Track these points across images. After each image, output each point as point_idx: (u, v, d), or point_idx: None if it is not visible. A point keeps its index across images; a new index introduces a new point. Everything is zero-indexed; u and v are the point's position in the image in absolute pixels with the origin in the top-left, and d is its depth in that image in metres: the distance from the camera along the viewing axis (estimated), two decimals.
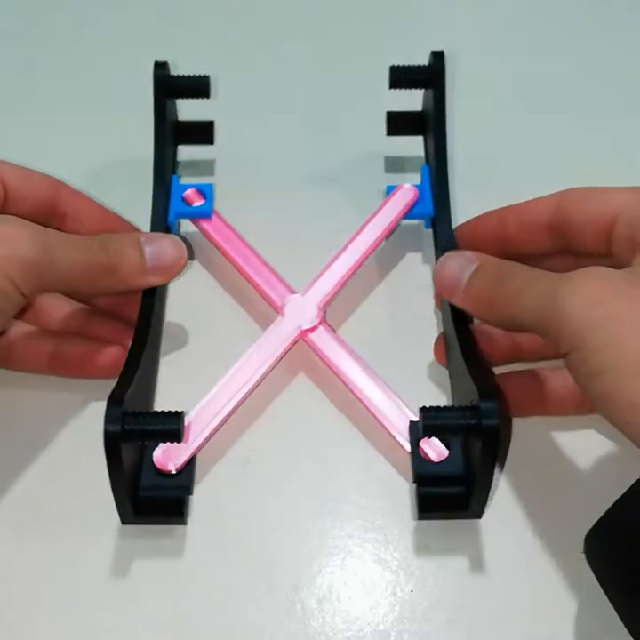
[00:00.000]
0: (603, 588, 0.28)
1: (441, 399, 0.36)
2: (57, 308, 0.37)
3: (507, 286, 0.31)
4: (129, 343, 0.33)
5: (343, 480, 0.34)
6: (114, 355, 0.35)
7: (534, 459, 0.34)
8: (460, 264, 0.33)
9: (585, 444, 0.34)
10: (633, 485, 0.27)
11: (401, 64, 0.40)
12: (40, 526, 0.33)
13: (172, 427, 0.30)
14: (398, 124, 0.42)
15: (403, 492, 0.34)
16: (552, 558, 0.32)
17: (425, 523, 0.33)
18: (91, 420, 0.34)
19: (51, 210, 0.36)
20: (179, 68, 0.41)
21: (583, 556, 0.29)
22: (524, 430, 0.34)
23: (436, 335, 0.37)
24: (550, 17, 0.49)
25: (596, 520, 0.28)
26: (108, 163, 0.43)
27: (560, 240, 0.34)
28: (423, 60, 0.40)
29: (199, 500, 0.33)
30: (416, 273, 0.39)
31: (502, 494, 0.33)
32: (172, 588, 0.32)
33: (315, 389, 0.37)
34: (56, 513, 0.33)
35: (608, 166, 0.42)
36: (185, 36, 0.49)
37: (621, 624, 0.28)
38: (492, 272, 0.32)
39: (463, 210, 0.39)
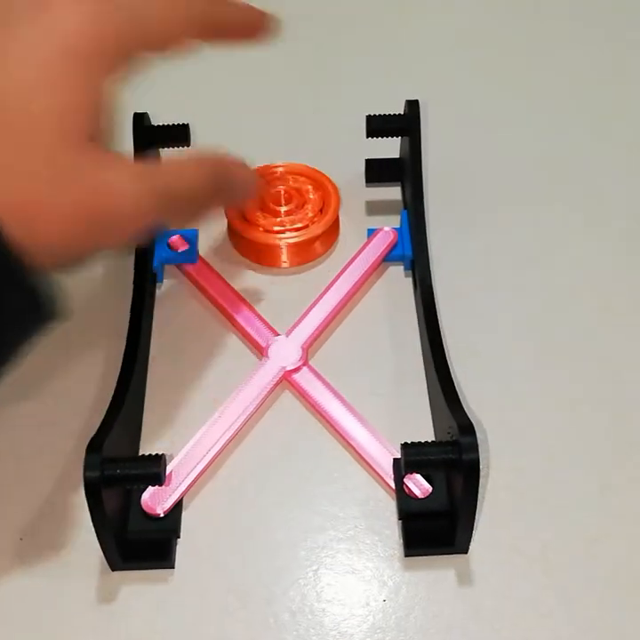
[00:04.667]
0: None
1: (425, 434, 0.36)
2: None
3: None
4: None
5: (315, 490, 0.34)
6: None
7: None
8: None
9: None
10: None
11: (377, 113, 0.41)
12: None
13: (153, 470, 0.30)
14: (377, 170, 0.44)
15: (374, 501, 0.34)
16: (526, 560, 0.32)
17: (396, 531, 0.33)
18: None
19: None
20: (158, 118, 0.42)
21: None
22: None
23: (418, 371, 0.37)
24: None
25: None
26: None
27: None
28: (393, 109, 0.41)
29: None
30: (397, 313, 0.40)
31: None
32: (146, 605, 0.31)
33: (290, 399, 0.37)
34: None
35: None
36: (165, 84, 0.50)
37: None
38: None
39: (439, 249, 0.41)
